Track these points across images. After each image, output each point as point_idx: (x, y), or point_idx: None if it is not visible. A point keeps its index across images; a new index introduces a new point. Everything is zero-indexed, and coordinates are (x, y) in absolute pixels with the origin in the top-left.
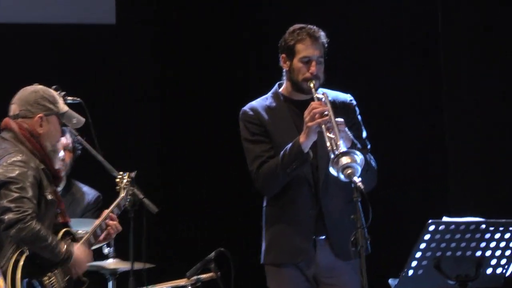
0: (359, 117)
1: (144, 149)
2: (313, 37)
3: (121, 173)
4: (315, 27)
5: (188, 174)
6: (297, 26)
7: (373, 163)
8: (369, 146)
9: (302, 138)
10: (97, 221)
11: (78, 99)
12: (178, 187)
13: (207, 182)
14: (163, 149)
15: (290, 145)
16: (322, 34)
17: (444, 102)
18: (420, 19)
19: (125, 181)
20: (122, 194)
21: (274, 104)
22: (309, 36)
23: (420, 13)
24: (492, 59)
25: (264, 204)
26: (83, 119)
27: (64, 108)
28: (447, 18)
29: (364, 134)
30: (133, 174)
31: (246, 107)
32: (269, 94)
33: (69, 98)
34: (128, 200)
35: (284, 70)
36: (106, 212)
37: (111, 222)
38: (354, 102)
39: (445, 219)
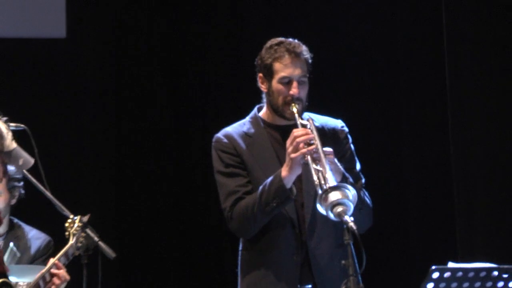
0: (351, 146)
1: (99, 184)
2: (293, 53)
3: (71, 216)
4: (295, 41)
5: (150, 214)
6: (274, 40)
7: (367, 199)
8: (363, 180)
9: (284, 171)
10: (40, 272)
11: (22, 125)
12: (138, 228)
13: (172, 222)
14: (121, 183)
15: (270, 179)
16: (304, 49)
17: (451, 132)
18: (422, 20)
19: (75, 226)
20: (71, 241)
21: (252, 131)
22: (288, 53)
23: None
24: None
25: (240, 247)
26: (31, 160)
27: (11, 145)
28: (452, 20)
29: (358, 166)
30: (85, 218)
31: (220, 134)
32: (247, 118)
33: (12, 124)
34: (78, 248)
35: (262, 92)
36: (51, 261)
37: (56, 271)
38: (346, 129)
39: (451, 265)
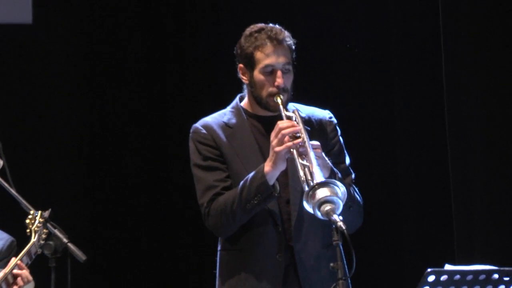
0: (340, 139)
1: (68, 179)
2: (276, 40)
3: (32, 212)
4: (277, 26)
5: (122, 211)
6: (254, 27)
7: (358, 196)
8: (353, 176)
9: (267, 166)
10: (3, 273)
11: None
12: (111, 227)
13: (147, 220)
14: (91, 179)
15: (252, 174)
16: (286, 34)
17: (448, 127)
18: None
19: (36, 222)
20: (34, 239)
21: (233, 121)
22: (270, 40)
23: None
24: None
25: (219, 247)
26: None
27: None
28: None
29: (347, 160)
30: (46, 214)
31: (198, 124)
32: (228, 108)
33: None
34: (41, 246)
35: (244, 84)
36: (13, 261)
37: (19, 271)
38: (335, 121)
39: (447, 267)
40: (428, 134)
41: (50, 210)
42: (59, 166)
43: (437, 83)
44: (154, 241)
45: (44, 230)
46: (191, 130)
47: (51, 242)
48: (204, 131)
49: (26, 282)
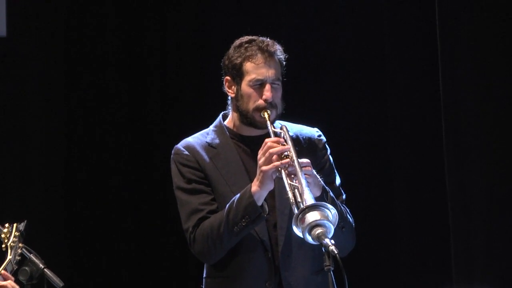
0: (330, 158)
1: (43, 196)
2: (267, 52)
3: (6, 225)
4: (268, 39)
5: (102, 231)
6: (244, 38)
7: (349, 217)
8: (344, 196)
9: (254, 186)
10: None
11: None
12: (89, 249)
13: (127, 245)
14: (68, 195)
15: (238, 195)
16: (278, 48)
17: (445, 143)
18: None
19: (12, 236)
20: (10, 256)
21: (217, 141)
22: (261, 52)
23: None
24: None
25: (204, 274)
26: None
27: None
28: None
29: (338, 180)
30: (21, 226)
31: (180, 145)
32: (211, 127)
33: None
34: (16, 262)
35: (229, 97)
36: None
37: (3, 283)
38: (324, 139)
39: None
40: (424, 150)
41: (25, 222)
42: (34, 184)
43: (433, 91)
44: (135, 267)
45: (20, 245)
46: (173, 152)
47: (26, 268)
48: (186, 152)
49: None
